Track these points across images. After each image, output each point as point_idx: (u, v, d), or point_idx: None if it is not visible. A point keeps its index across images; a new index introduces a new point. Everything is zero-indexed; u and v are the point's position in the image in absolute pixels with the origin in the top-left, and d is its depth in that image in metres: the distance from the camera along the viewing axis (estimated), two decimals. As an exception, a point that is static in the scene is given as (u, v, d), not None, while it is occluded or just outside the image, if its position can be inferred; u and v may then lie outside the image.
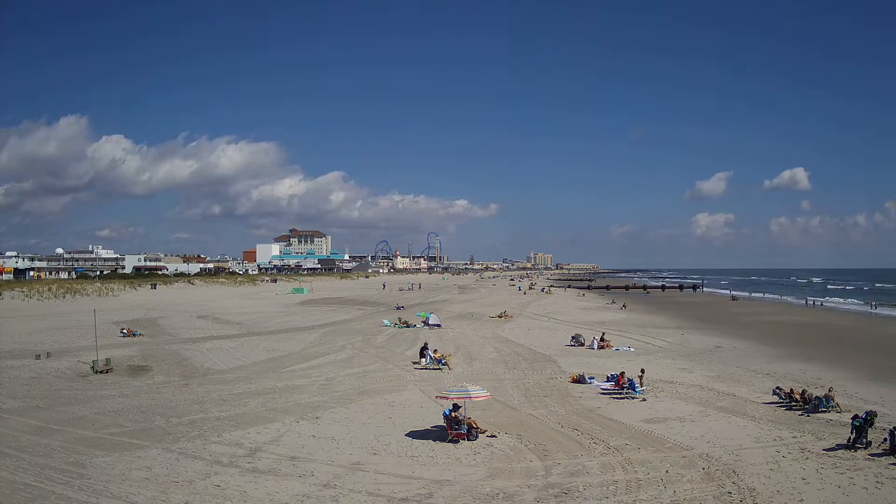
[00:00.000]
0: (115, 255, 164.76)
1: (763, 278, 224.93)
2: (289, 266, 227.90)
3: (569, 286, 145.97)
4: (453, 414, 18.08)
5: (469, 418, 18.31)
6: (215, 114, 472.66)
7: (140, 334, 42.23)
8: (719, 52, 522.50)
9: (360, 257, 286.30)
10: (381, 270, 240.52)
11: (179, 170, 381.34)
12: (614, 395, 23.57)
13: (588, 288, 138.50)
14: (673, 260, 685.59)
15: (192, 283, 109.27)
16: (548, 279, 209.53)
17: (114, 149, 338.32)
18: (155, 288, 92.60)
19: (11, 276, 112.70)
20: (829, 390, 21.45)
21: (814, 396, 21.08)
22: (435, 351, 31.81)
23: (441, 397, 19.71)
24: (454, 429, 17.84)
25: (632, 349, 36.59)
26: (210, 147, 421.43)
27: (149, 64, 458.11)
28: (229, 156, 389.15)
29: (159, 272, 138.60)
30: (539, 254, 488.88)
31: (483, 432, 18.20)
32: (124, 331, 41.95)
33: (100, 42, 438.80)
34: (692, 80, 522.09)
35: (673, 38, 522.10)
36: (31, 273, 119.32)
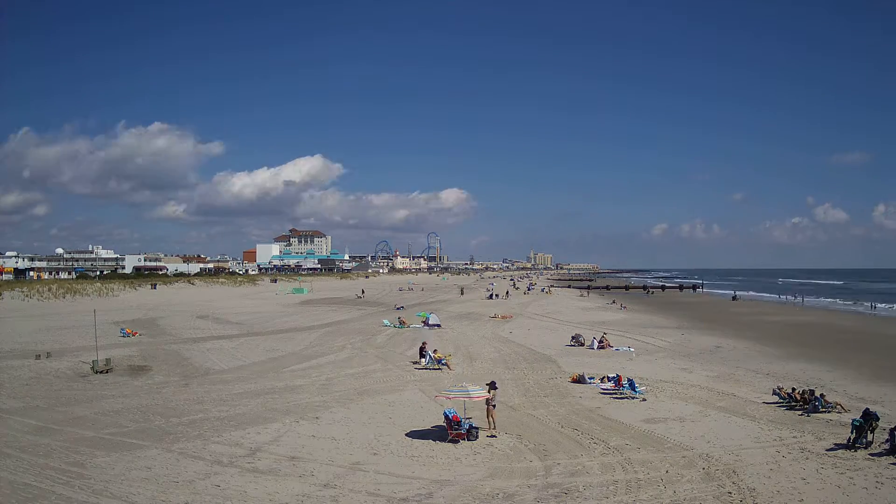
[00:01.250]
0: (114, 256, 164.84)
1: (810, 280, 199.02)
2: (289, 266, 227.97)
3: (569, 286, 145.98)
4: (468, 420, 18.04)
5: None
6: (211, 113, 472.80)
7: (137, 332, 42.17)
8: (720, 52, 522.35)
9: (360, 257, 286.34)
10: (381, 270, 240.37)
11: (178, 169, 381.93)
12: (614, 395, 23.57)
13: (588, 288, 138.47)
14: (673, 260, 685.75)
15: (192, 284, 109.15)
16: (548, 279, 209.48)
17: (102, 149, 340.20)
18: (155, 288, 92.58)
19: (11, 276, 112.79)
20: (823, 396, 21.30)
21: (813, 396, 21.09)
22: (435, 351, 31.81)
23: (441, 397, 19.74)
24: (454, 429, 17.84)
25: (632, 349, 36.57)
26: (209, 145, 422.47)
27: (144, 64, 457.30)
28: (229, 154, 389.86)
29: (159, 272, 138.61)
30: (539, 254, 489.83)
31: (489, 434, 18.13)
32: (124, 330, 41.93)
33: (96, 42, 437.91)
34: (691, 82, 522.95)
35: (677, 39, 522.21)
36: (31, 273, 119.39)
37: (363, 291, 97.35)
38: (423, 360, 30.63)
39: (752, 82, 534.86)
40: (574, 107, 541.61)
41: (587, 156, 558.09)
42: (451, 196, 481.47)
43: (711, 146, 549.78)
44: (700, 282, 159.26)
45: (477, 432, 17.95)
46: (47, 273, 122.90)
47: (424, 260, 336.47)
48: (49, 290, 73.82)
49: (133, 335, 41.43)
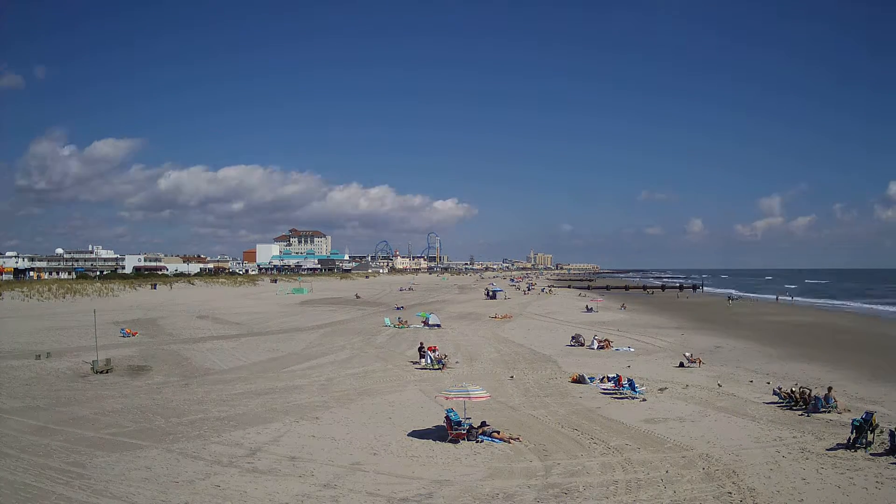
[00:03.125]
0: (114, 256, 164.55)
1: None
2: (289, 266, 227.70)
3: (569, 286, 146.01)
4: (481, 430, 17.99)
5: (485, 426, 18.22)
6: (210, 112, 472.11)
7: (137, 332, 42.17)
8: (716, 59, 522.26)
9: (360, 257, 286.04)
10: (381, 270, 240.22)
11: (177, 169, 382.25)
12: (614, 395, 23.57)
13: (588, 288, 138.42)
14: (672, 260, 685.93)
15: (192, 284, 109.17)
16: (548, 279, 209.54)
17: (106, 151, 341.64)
18: (155, 288, 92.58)
19: (11, 276, 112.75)
20: (830, 390, 21.42)
21: (814, 396, 21.09)
22: (434, 350, 31.80)
23: (441, 397, 19.72)
24: (454, 429, 17.84)
25: (632, 349, 36.58)
26: (208, 146, 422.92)
27: (140, 66, 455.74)
28: (228, 153, 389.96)
29: (159, 272, 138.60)
30: (539, 254, 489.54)
31: (504, 438, 17.84)
32: (124, 330, 41.93)
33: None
34: (689, 87, 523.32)
35: (674, 42, 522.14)
36: (31, 273, 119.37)
37: (357, 296, 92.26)
38: (423, 360, 30.64)
39: (759, 93, 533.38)
40: (573, 108, 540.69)
41: (588, 156, 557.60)
42: (450, 196, 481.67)
43: (710, 146, 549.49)
44: (700, 282, 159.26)
45: (477, 432, 17.88)
46: (47, 273, 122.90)
47: (424, 260, 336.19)
48: (49, 290, 73.81)
49: (133, 335, 41.45)
